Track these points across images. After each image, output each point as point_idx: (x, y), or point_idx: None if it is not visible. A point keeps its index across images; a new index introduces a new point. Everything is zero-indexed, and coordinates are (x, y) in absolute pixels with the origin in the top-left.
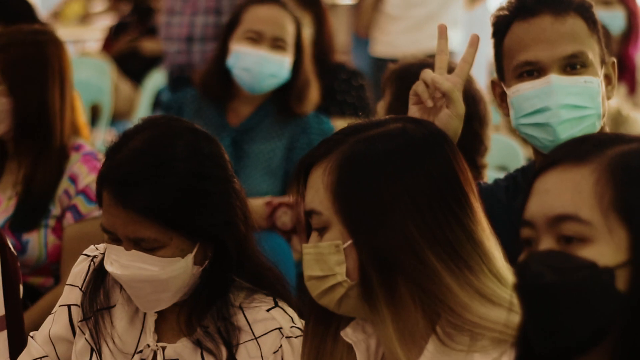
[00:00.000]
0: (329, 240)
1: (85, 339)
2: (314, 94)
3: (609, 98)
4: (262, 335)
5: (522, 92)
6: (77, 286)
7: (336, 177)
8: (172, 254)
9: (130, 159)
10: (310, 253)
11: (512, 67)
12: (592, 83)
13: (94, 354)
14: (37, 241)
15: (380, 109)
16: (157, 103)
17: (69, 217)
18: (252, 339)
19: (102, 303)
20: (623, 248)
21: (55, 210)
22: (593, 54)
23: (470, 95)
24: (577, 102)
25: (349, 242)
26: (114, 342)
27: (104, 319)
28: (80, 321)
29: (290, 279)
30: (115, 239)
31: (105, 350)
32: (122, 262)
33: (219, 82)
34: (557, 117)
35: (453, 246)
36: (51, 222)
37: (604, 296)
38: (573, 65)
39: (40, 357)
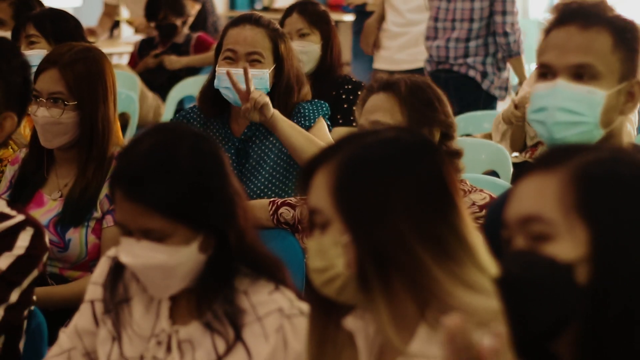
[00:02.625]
0: (330, 235)
1: (107, 329)
2: (297, 98)
3: (622, 113)
4: (264, 317)
5: (535, 90)
6: (99, 283)
7: (336, 179)
8: (178, 243)
9: (139, 159)
10: (313, 247)
11: (536, 67)
12: (594, 94)
13: (115, 341)
14: (78, 239)
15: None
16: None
17: (108, 219)
18: (256, 320)
19: (121, 296)
20: (582, 244)
21: (97, 213)
22: (607, 69)
23: (421, 99)
24: (573, 107)
25: (348, 237)
26: (132, 329)
27: (123, 310)
28: (103, 314)
29: (301, 273)
30: (127, 232)
31: (124, 337)
32: (134, 252)
33: (213, 103)
34: (552, 117)
35: (440, 241)
36: (92, 223)
37: (564, 288)
38: (580, 74)
39: (69, 349)
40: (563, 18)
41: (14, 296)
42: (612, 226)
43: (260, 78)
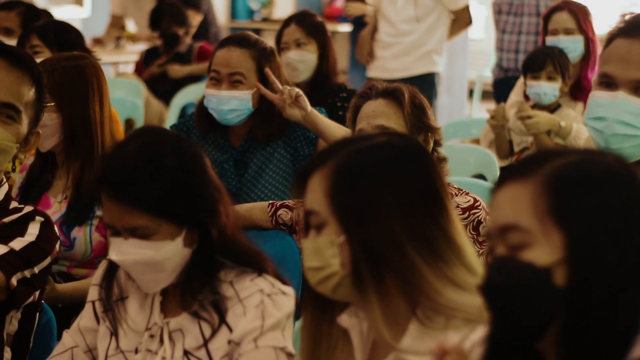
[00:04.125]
0: (326, 236)
1: (106, 325)
2: (280, 119)
3: None
4: (246, 298)
5: (595, 98)
6: (98, 285)
7: (332, 183)
8: (163, 239)
9: (123, 161)
10: (309, 247)
11: (598, 74)
12: None
13: (112, 337)
14: (83, 238)
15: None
16: (182, 117)
17: None
18: (238, 302)
19: (117, 295)
20: (559, 248)
21: (99, 211)
22: None
23: (417, 107)
24: (632, 121)
25: (343, 238)
26: (128, 324)
27: (119, 308)
28: (102, 312)
29: (298, 272)
30: (115, 232)
31: (120, 332)
32: (122, 250)
33: (207, 120)
34: (610, 128)
35: (430, 242)
36: (95, 221)
37: (543, 291)
38: None
39: (72, 347)
40: (630, 29)
41: (27, 272)
42: (585, 228)
43: (241, 99)
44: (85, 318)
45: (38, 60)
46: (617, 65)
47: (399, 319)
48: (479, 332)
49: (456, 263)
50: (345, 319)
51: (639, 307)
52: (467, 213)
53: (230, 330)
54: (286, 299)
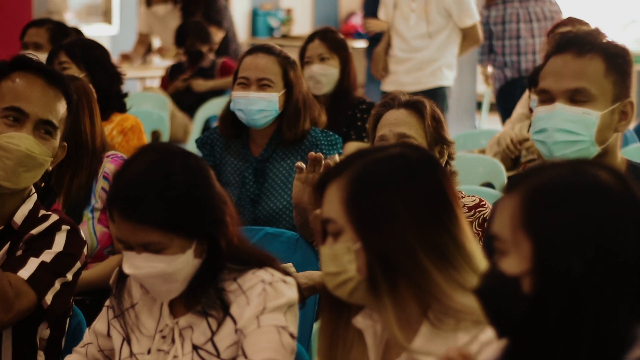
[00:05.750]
0: (343, 243)
1: (118, 330)
2: (308, 122)
3: (617, 130)
4: (249, 289)
5: (537, 113)
6: (111, 292)
7: (348, 192)
8: (175, 252)
9: (133, 180)
10: (327, 253)
11: (537, 92)
12: (589, 115)
13: (124, 342)
14: (87, 231)
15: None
16: (206, 130)
17: None
18: (241, 294)
19: (127, 302)
20: (527, 259)
21: (97, 204)
22: (601, 91)
23: (436, 120)
24: (571, 128)
25: (359, 244)
26: (140, 331)
27: (130, 314)
28: (112, 318)
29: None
30: (128, 247)
31: (133, 338)
32: (136, 264)
33: (232, 123)
34: (552, 138)
35: (441, 249)
36: (96, 214)
37: (511, 299)
38: (575, 98)
39: (87, 344)
40: (560, 47)
41: (57, 284)
42: (548, 237)
43: (270, 100)
44: (100, 322)
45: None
46: (551, 80)
47: (411, 321)
48: (488, 333)
49: (466, 268)
50: (360, 321)
51: (609, 318)
52: (473, 211)
53: (235, 322)
54: (287, 287)
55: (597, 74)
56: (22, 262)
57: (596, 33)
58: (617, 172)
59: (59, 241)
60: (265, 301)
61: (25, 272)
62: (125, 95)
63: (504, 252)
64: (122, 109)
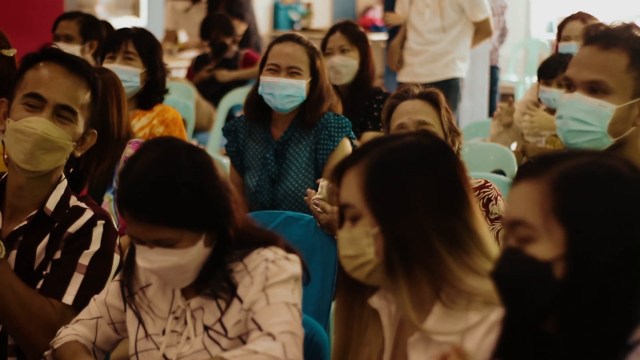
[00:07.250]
0: (361, 227)
1: (132, 310)
2: (327, 107)
3: (635, 124)
4: (253, 269)
5: (560, 100)
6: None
7: (366, 179)
8: (186, 245)
9: (140, 179)
10: (345, 237)
11: (562, 78)
12: (605, 107)
13: (139, 323)
14: (109, 210)
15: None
16: (229, 119)
17: None
18: (247, 274)
19: (138, 284)
20: (560, 245)
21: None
22: (620, 86)
23: (448, 111)
24: (584, 118)
25: (377, 229)
26: (153, 312)
27: (141, 297)
28: (127, 296)
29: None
30: (140, 242)
31: (147, 319)
32: (149, 258)
33: (257, 107)
34: (566, 125)
35: (454, 234)
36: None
37: (542, 284)
38: (594, 89)
39: (97, 317)
40: (589, 39)
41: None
42: (584, 226)
43: (298, 87)
44: (111, 295)
45: (129, 67)
46: (574, 69)
47: (424, 302)
48: (498, 313)
49: (477, 252)
50: (375, 301)
51: (636, 303)
52: (479, 192)
53: (241, 301)
54: (289, 263)
55: (619, 69)
56: (65, 280)
57: (629, 28)
58: (632, 163)
59: (96, 238)
60: (267, 277)
61: (69, 297)
62: (167, 89)
63: (532, 238)
64: (162, 100)
